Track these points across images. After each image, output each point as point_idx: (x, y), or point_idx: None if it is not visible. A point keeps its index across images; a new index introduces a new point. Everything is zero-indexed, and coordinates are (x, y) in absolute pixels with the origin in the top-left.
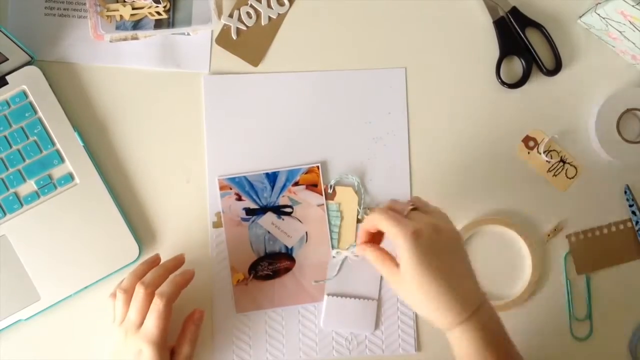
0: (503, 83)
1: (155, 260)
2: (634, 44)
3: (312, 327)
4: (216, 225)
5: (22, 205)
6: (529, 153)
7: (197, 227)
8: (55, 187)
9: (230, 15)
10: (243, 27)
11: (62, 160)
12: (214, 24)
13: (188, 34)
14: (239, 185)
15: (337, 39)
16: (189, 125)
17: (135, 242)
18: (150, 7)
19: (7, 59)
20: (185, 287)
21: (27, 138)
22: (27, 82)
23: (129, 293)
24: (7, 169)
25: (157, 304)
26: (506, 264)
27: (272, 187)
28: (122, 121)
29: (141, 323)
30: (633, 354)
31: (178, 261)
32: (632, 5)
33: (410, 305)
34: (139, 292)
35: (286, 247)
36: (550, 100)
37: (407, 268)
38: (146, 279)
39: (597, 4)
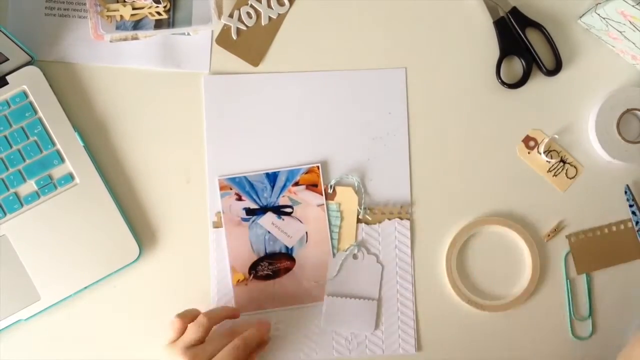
0: (503, 83)
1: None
2: (634, 44)
3: (312, 327)
4: (216, 225)
5: (22, 205)
6: (529, 153)
7: (197, 227)
8: (56, 187)
9: (231, 15)
10: (243, 27)
11: (62, 160)
12: (214, 24)
13: (188, 34)
14: (239, 185)
15: (337, 39)
16: (189, 125)
17: (135, 242)
18: (150, 7)
19: (7, 59)
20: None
21: (27, 138)
22: (27, 82)
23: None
24: (7, 169)
25: (239, 344)
26: (506, 264)
27: (272, 187)
28: (122, 121)
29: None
30: None
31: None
32: (632, 5)
33: None
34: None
35: (286, 247)
36: (550, 100)
37: None
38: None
39: (597, 4)
